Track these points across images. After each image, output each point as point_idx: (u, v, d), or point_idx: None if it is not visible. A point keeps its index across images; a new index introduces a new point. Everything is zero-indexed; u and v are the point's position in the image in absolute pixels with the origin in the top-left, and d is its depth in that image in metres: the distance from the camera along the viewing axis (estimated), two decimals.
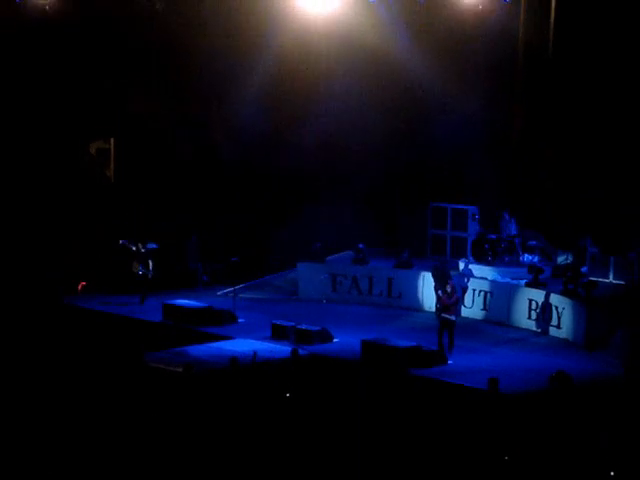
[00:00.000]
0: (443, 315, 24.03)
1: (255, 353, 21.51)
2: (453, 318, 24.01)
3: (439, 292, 24.79)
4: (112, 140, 31.52)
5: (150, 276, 27.93)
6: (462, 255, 29.56)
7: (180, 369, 20.87)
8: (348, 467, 17.43)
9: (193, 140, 31.73)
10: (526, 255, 28.58)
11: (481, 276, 27.92)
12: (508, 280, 27.51)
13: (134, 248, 27.76)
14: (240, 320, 26.55)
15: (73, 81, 30.12)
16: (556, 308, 25.51)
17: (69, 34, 29.64)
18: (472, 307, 27.21)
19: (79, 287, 29.15)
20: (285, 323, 25.23)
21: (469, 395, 20.59)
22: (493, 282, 27.42)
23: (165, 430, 18.61)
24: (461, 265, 28.48)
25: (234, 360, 20.58)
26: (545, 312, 25.69)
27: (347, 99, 30.86)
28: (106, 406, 19.69)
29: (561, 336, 25.27)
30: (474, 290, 27.22)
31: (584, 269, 26.82)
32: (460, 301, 25.96)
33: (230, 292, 27.98)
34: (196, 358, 22.46)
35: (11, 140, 29.87)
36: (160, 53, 30.87)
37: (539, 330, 25.80)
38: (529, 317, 26.16)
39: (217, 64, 30.65)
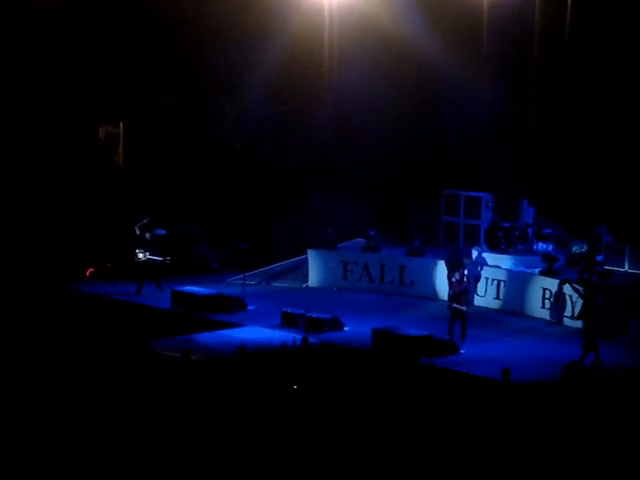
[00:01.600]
0: (454, 305, 23.92)
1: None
2: (464, 309, 23.88)
3: (451, 280, 24.61)
4: (121, 125, 31.39)
5: (159, 263, 27.63)
6: (475, 243, 29.24)
7: (187, 356, 20.66)
8: (354, 458, 17.19)
9: (202, 126, 31.52)
10: (540, 243, 28.29)
11: (495, 264, 27.62)
12: (522, 269, 27.25)
13: (138, 233, 27.45)
14: (250, 307, 26.35)
15: (82, 66, 29.97)
16: (570, 297, 25.21)
17: (79, 19, 29.50)
18: (485, 296, 26.97)
19: (87, 273, 28.95)
20: (295, 311, 25.01)
21: (481, 385, 20.38)
22: (507, 271, 27.15)
23: (168, 418, 18.39)
24: (474, 253, 28.18)
25: (241, 348, 20.37)
26: (559, 301, 25.39)
27: (359, 85, 30.65)
28: (110, 392, 19.49)
29: (575, 325, 24.97)
30: (487, 279, 27.00)
31: (599, 258, 26.58)
32: (471, 290, 25.73)
33: (239, 279, 27.74)
34: (203, 345, 22.21)
35: (20, 125, 29.74)
36: (170, 38, 30.68)
37: (553, 320, 25.51)
38: (543, 306, 25.90)
39: (228, 49, 30.48)
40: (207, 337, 23.15)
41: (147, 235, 27.55)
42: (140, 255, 27.56)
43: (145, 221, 27.53)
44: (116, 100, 30.68)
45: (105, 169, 31.02)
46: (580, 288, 23.38)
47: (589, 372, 21.27)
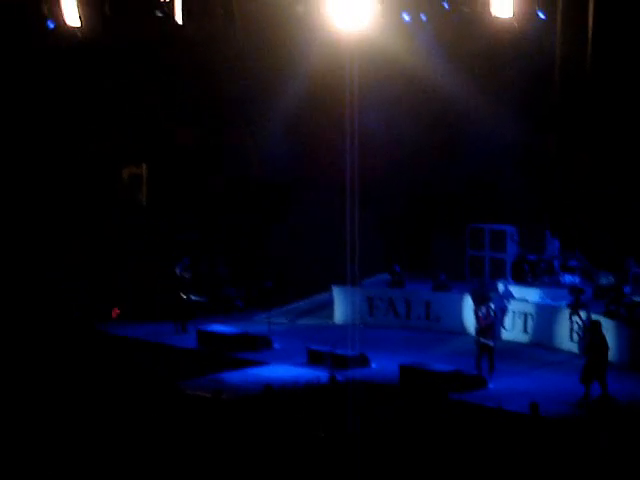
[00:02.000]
0: (481, 340, 23.92)
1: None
2: (491, 344, 23.86)
3: (478, 314, 24.57)
4: (144, 165, 31.59)
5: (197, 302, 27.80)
6: (501, 276, 29.13)
7: (215, 395, 20.64)
8: None
9: (226, 167, 31.68)
10: (567, 276, 28.15)
11: (521, 298, 27.52)
12: (549, 301, 27.11)
13: (178, 273, 27.71)
14: (275, 345, 26.36)
15: (106, 106, 30.18)
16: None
17: (101, 59, 29.71)
18: (513, 330, 26.87)
19: (113, 314, 29.06)
20: (321, 348, 25.00)
21: (510, 419, 20.22)
22: (534, 304, 27.04)
23: (196, 456, 18.34)
24: (501, 287, 28.10)
25: (268, 387, 20.34)
26: (587, 334, 25.24)
27: (380, 119, 30.70)
28: (140, 432, 19.46)
29: None
30: (514, 312, 26.95)
31: (627, 289, 26.39)
32: (498, 323, 25.68)
33: (265, 317, 27.74)
34: (231, 384, 22.22)
35: (46, 164, 29.97)
36: (191, 77, 30.86)
37: (581, 353, 25.36)
38: (571, 339, 25.72)
39: (249, 86, 30.61)
40: (235, 376, 23.17)
41: (187, 275, 27.74)
42: (183, 295, 27.71)
43: (185, 261, 27.75)
44: (139, 141, 30.88)
45: (129, 209, 31.21)
46: (583, 320, 23.33)
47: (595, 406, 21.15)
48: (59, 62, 29.51)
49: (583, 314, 25.57)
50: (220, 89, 30.78)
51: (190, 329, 27.47)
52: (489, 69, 30.15)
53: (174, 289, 28.09)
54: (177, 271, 27.93)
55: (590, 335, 22.63)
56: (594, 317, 24.52)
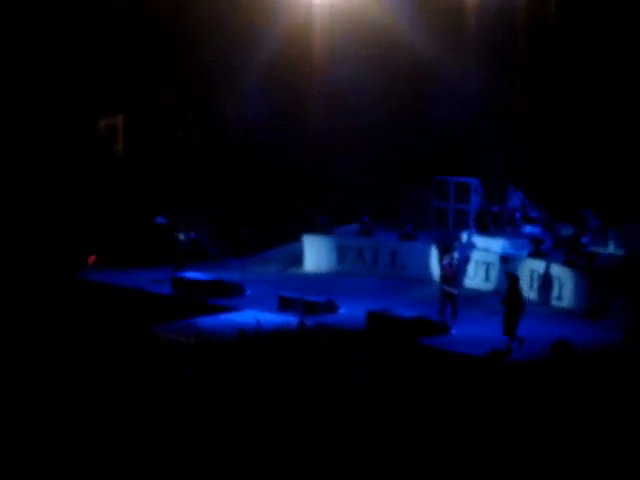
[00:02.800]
0: (444, 288, 24.48)
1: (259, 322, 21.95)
2: (455, 292, 24.44)
3: (442, 263, 25.23)
4: (121, 117, 31.77)
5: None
6: (465, 227, 29.82)
7: (189, 340, 21.23)
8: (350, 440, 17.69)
9: (200, 118, 31.93)
10: (528, 226, 28.76)
11: (484, 247, 28.17)
12: (510, 251, 27.72)
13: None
14: (248, 292, 26.86)
15: (84, 60, 30.33)
16: (557, 278, 25.83)
17: (78, 12, 29.78)
18: (475, 278, 27.50)
19: (89, 261, 29.44)
20: (292, 295, 25.53)
21: (471, 364, 20.87)
22: (495, 253, 27.62)
23: (174, 402, 18.85)
24: (464, 237, 28.80)
25: (242, 332, 20.94)
26: (546, 282, 25.97)
27: (351, 75, 30.86)
28: (115, 376, 19.93)
29: (562, 306, 25.60)
30: (477, 261, 27.50)
31: (585, 240, 27.05)
32: (461, 272, 26.27)
33: (238, 265, 28.24)
34: (204, 329, 22.81)
35: (21, 118, 30.09)
36: (167, 29, 31.00)
37: (541, 300, 26.06)
38: (531, 288, 26.36)
39: (224, 45, 30.82)
40: (208, 321, 23.79)
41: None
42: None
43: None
44: (117, 93, 31.03)
45: (106, 160, 31.50)
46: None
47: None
48: (35, 15, 29.60)
49: (543, 263, 26.28)
50: (196, 43, 30.97)
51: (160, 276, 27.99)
52: (456, 26, 30.45)
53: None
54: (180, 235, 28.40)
55: (508, 289, 22.98)
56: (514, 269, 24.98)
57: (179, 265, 28.41)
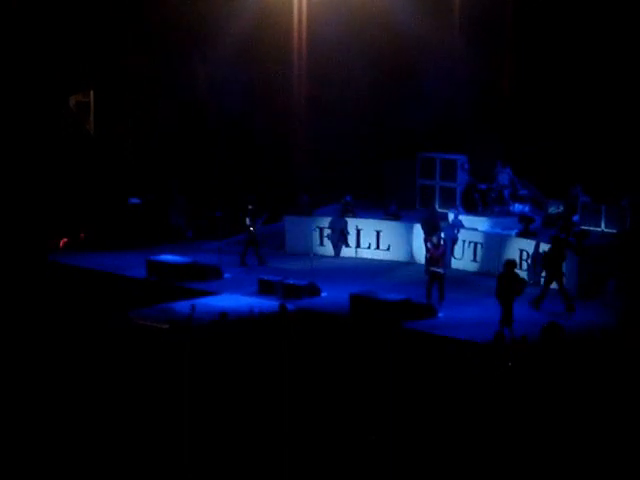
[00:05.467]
0: (431, 268, 24.04)
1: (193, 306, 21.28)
2: (441, 271, 23.94)
3: (428, 244, 24.66)
4: (91, 93, 31.14)
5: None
6: (451, 206, 29.24)
7: (165, 325, 20.62)
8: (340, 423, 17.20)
9: (175, 94, 31.35)
10: (517, 205, 28.37)
11: (471, 227, 27.65)
12: (498, 230, 27.28)
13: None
14: (226, 275, 26.27)
15: (51, 34, 29.65)
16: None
17: None
18: (462, 258, 27.02)
19: (61, 244, 28.82)
20: (272, 278, 24.95)
21: (460, 347, 20.43)
22: (483, 233, 27.18)
23: (153, 387, 18.34)
24: (451, 216, 28.21)
25: (223, 315, 20.39)
26: (536, 262, 25.46)
27: (333, 49, 30.59)
28: (91, 363, 19.39)
29: (553, 286, 25.02)
30: (464, 241, 27.05)
31: (575, 218, 26.71)
32: (448, 253, 25.81)
33: (215, 247, 27.67)
34: (181, 314, 22.13)
35: None
36: (142, 5, 30.43)
37: (531, 281, 25.56)
38: (520, 267, 25.85)
39: (198, 11, 30.20)
40: (185, 306, 23.08)
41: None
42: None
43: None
44: (86, 67, 30.43)
45: (76, 138, 30.82)
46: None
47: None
48: None
49: (533, 243, 25.78)
50: (170, 15, 30.34)
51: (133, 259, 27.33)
52: (445, 2, 30.13)
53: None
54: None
55: (504, 276, 22.21)
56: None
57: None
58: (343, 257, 28.29)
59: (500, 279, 22.07)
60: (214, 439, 16.86)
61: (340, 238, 28.42)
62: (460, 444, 16.46)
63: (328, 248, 28.50)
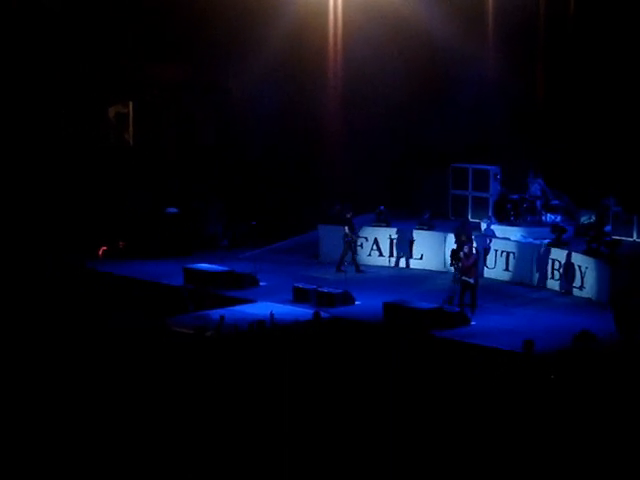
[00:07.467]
0: (463, 278, 24.06)
1: (272, 313, 21.44)
2: (472, 281, 23.97)
3: (460, 253, 24.76)
4: (130, 104, 31.46)
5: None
6: (484, 216, 29.37)
7: (202, 332, 20.88)
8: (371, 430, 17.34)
9: (212, 105, 31.61)
10: (549, 215, 28.40)
11: (503, 237, 27.74)
12: (531, 240, 27.33)
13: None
14: (262, 284, 26.47)
15: (91, 46, 30.00)
16: (579, 267, 25.36)
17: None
18: (495, 268, 27.07)
19: (100, 252, 29.15)
20: (306, 286, 25.14)
21: (492, 356, 20.51)
22: (516, 242, 27.25)
23: (186, 393, 18.56)
24: (483, 226, 28.32)
25: (260, 323, 20.60)
26: (568, 272, 25.50)
27: (367, 62, 30.68)
28: (129, 368, 19.66)
29: (584, 296, 25.12)
30: (496, 251, 27.08)
31: (607, 228, 26.70)
32: (479, 262, 25.85)
33: (251, 256, 27.89)
34: (218, 321, 22.38)
35: (30, 106, 29.79)
36: (179, 16, 30.66)
37: (562, 290, 25.65)
38: (552, 277, 26.01)
39: (235, 27, 30.46)
40: (221, 313, 23.36)
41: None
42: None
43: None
44: (126, 80, 30.73)
45: (116, 148, 31.15)
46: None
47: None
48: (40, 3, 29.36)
49: (565, 253, 25.81)
50: (207, 28, 30.64)
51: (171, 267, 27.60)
52: (476, 14, 30.26)
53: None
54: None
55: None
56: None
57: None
58: (377, 266, 28.39)
59: None
60: (237, 443, 17.02)
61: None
62: (494, 453, 16.55)
63: (362, 257, 28.70)
